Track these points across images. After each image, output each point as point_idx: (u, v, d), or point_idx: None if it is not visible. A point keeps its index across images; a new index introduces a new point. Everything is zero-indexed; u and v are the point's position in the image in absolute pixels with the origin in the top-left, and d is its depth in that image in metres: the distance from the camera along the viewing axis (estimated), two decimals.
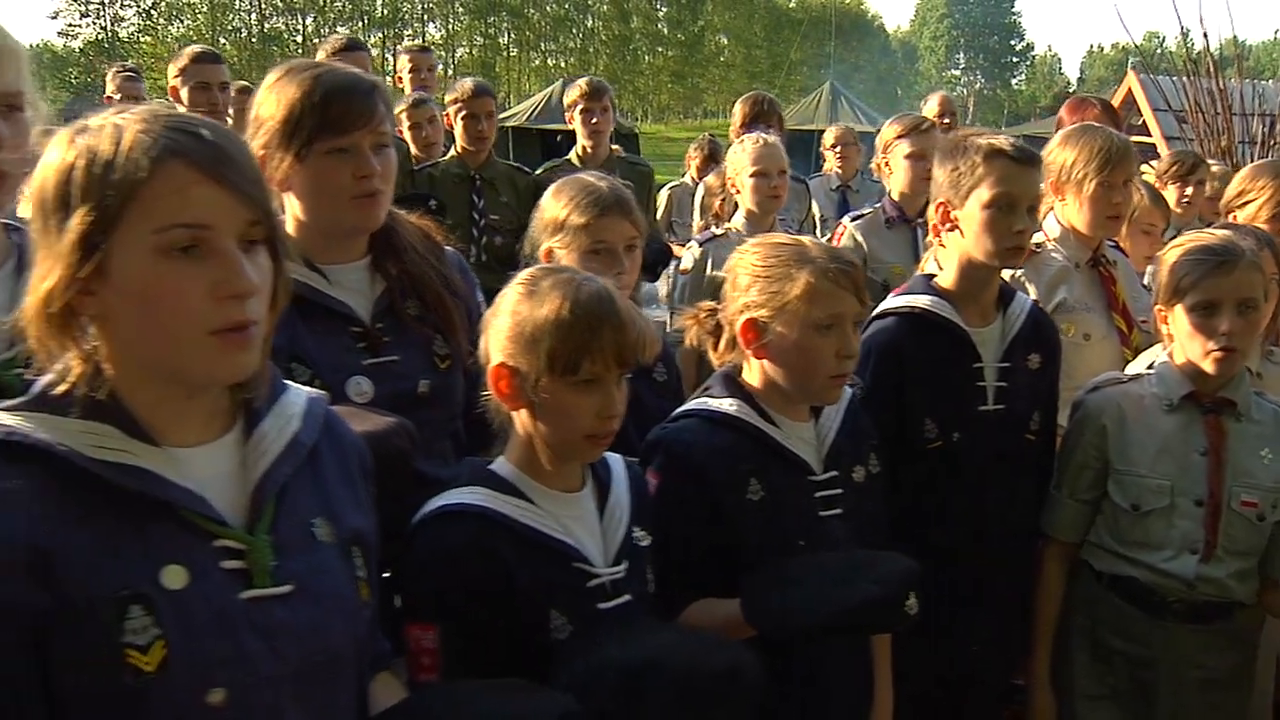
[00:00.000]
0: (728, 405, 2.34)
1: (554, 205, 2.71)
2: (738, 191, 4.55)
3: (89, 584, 1.27)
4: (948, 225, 2.77)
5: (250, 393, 1.46)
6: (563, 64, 60.92)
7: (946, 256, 2.84)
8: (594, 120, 5.47)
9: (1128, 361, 3.26)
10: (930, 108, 7.21)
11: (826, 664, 2.32)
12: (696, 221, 6.23)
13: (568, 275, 1.97)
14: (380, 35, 62.49)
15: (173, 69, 4.93)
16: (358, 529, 1.56)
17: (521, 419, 1.96)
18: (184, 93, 4.83)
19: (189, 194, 1.29)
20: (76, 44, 63.00)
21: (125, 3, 63.25)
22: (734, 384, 2.38)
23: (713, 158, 8.19)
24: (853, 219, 4.74)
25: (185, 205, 1.29)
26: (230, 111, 5.00)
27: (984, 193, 2.67)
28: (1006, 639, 2.89)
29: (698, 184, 7.64)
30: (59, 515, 1.28)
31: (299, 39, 62.39)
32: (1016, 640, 2.91)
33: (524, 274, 2.02)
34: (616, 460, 2.11)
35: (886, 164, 4.71)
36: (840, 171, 7.19)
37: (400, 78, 6.40)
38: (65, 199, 1.30)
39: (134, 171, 1.28)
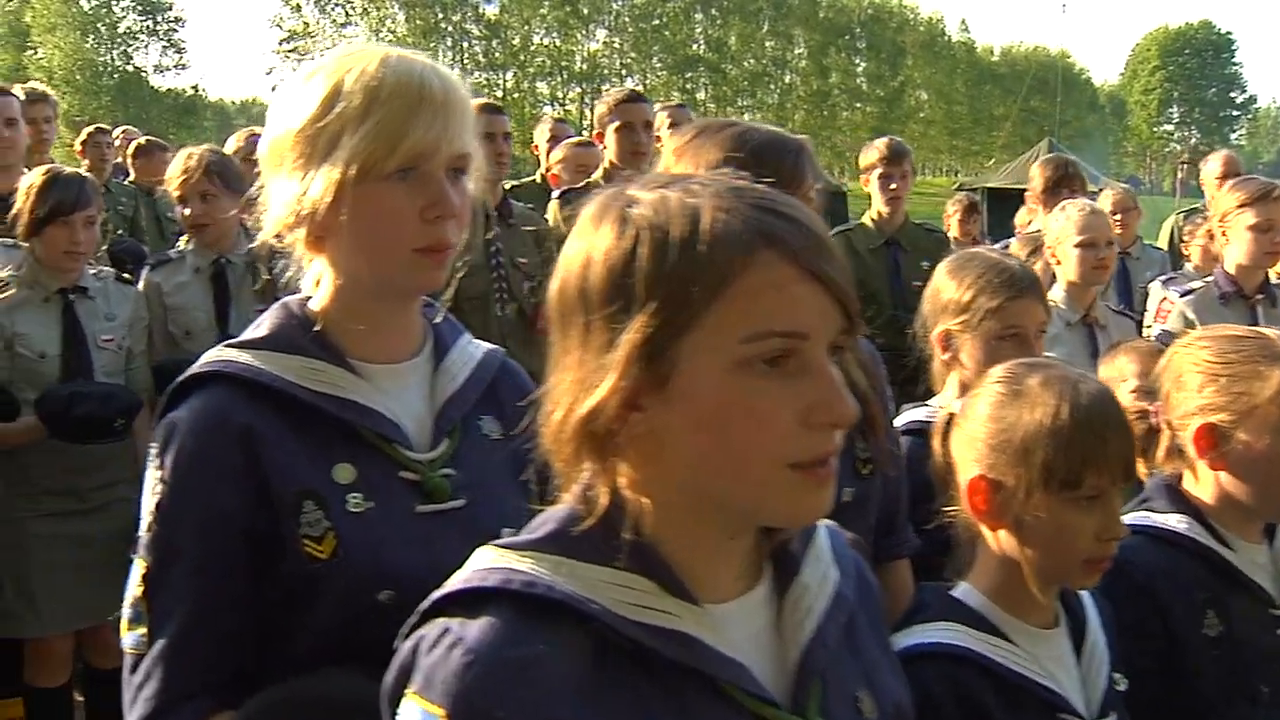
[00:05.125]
0: (1175, 522, 2.02)
1: (953, 285, 2.45)
2: (1058, 262, 4.20)
3: None
4: None
5: (789, 534, 1.19)
6: (759, 119, 60.94)
7: None
8: (892, 186, 5.19)
9: None
10: (1213, 169, 6.73)
11: None
12: None
13: (1059, 373, 1.69)
14: (579, 90, 63.76)
15: (601, 106, 4.95)
16: (898, 702, 1.26)
17: (1000, 539, 1.69)
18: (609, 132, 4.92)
19: (787, 294, 1.02)
20: None
21: None
22: (1178, 497, 2.06)
23: (973, 209, 7.91)
24: (1182, 294, 4.35)
25: (782, 308, 1.01)
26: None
27: None
28: None
29: (960, 243, 7.31)
30: (595, 690, 1.03)
31: (499, 94, 64.03)
32: None
33: (999, 371, 1.75)
34: (1086, 593, 1.81)
35: (1223, 234, 4.30)
36: (1119, 238, 6.70)
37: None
38: (623, 292, 1.03)
39: (721, 263, 1.01)
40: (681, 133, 1.95)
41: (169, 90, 66.61)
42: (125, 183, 7.58)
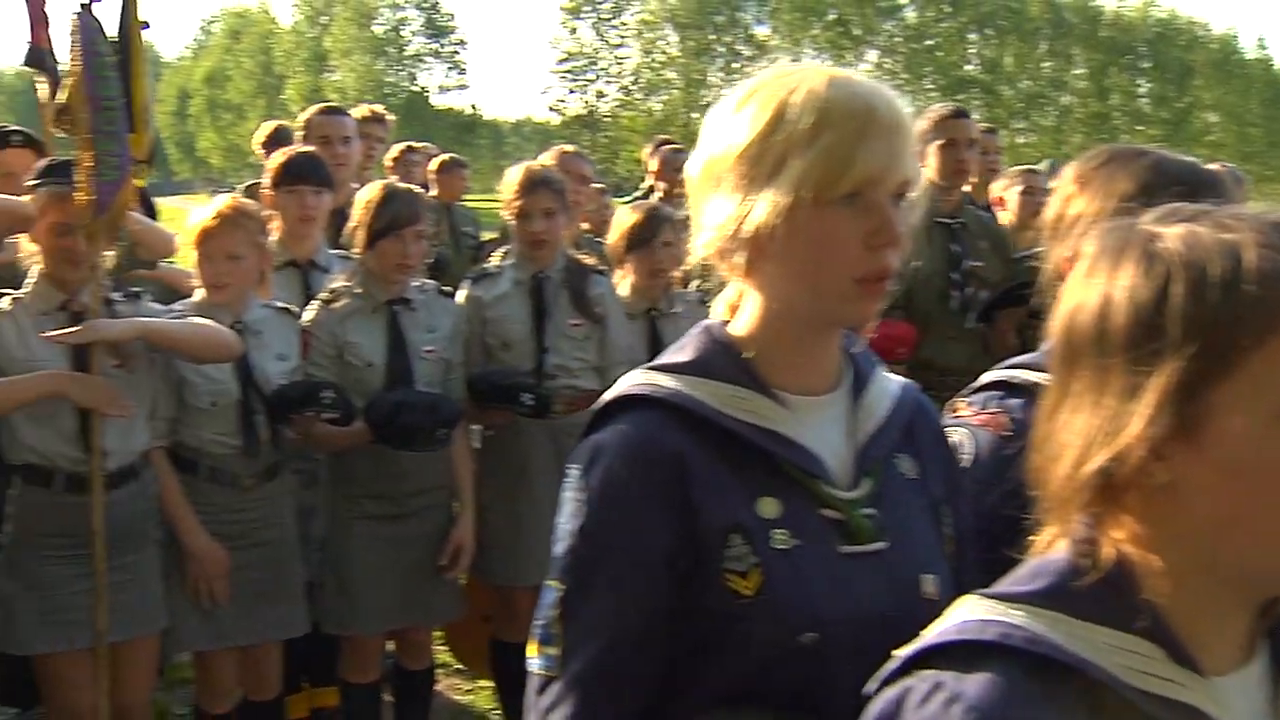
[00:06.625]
0: None
1: None
2: None
3: None
4: None
5: None
6: (1034, 142, 59.09)
7: None
8: None
9: None
10: None
11: None
12: None
13: None
14: None
15: (923, 123, 4.76)
16: None
17: None
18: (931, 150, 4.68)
19: None
20: (563, 118, 67.86)
21: (608, 79, 67.62)
22: None
23: None
24: None
25: None
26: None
27: None
28: None
29: None
30: None
31: None
32: None
33: None
34: None
35: None
36: None
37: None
38: (1152, 334, 0.96)
39: (1272, 304, 0.93)
40: (1087, 160, 1.82)
41: (448, 109, 69.82)
42: (427, 197, 7.87)
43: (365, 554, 3.74)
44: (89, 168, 3.19)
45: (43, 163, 3.49)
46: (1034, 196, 5.17)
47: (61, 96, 3.51)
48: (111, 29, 3.47)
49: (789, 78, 1.40)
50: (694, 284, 4.62)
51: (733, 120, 1.42)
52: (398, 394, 3.66)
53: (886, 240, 1.36)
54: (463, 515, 3.88)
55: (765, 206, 1.36)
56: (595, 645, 1.40)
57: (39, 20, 4.16)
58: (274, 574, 3.64)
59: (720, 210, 1.42)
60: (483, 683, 4.79)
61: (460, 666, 4.89)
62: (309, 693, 4.27)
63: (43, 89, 4.13)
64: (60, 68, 4.01)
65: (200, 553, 3.48)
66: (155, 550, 3.48)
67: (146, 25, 3.79)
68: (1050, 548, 1.06)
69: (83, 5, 3.24)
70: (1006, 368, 1.86)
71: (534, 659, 1.46)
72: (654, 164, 7.03)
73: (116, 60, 3.30)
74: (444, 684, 4.70)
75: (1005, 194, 5.54)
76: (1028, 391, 1.77)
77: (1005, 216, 5.47)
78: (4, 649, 3.48)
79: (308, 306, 3.84)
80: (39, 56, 4.14)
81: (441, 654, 4.61)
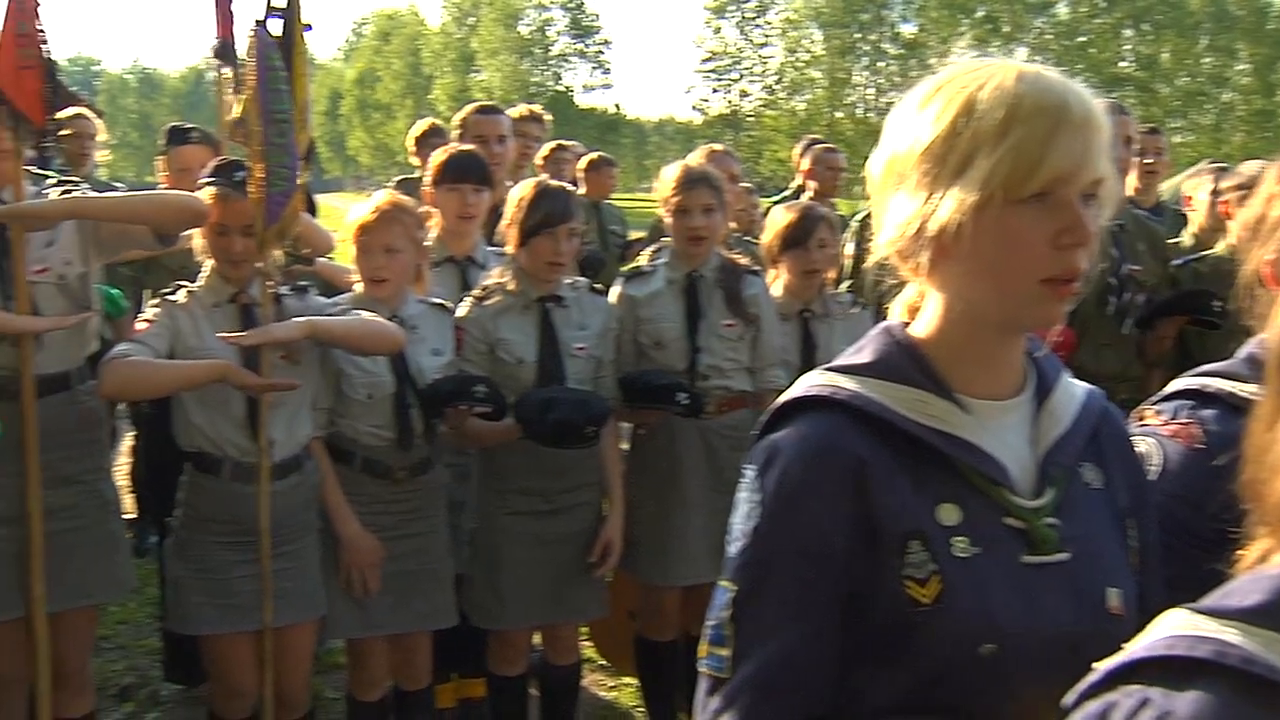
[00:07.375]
0: None
1: None
2: None
3: None
4: None
5: None
6: (1192, 141, 57.09)
7: None
8: None
9: None
10: None
11: None
12: None
13: None
14: None
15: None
16: None
17: None
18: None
19: None
20: (706, 117, 67.81)
21: (752, 79, 67.34)
22: None
23: None
24: None
25: None
26: None
27: None
28: None
29: None
30: None
31: None
32: None
33: None
34: None
35: None
36: None
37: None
38: None
39: None
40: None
41: (592, 108, 70.38)
42: (577, 195, 7.91)
43: (514, 549, 3.78)
44: (260, 179, 3.29)
45: (213, 162, 3.61)
46: (1223, 196, 4.97)
47: (237, 111, 3.63)
48: (277, 29, 3.56)
49: (976, 73, 1.36)
50: (844, 285, 4.57)
51: (917, 117, 1.38)
52: (548, 391, 3.67)
53: (1076, 240, 1.31)
54: (612, 513, 3.90)
55: (950, 205, 1.32)
56: (767, 649, 1.38)
57: (226, 16, 4.30)
58: (424, 566, 3.70)
59: (903, 209, 1.39)
60: (627, 680, 4.81)
61: (604, 663, 4.91)
62: (457, 683, 4.34)
63: (227, 77, 4.28)
64: (240, 65, 4.14)
65: (354, 542, 3.56)
66: (315, 538, 3.58)
67: (309, 28, 3.88)
68: (1264, 563, 1.01)
69: (258, 21, 3.35)
70: (1198, 375, 1.78)
71: (704, 660, 1.44)
72: (805, 163, 6.97)
73: (287, 74, 3.39)
74: (588, 680, 4.71)
75: (1195, 193, 5.34)
76: (1222, 402, 1.69)
77: (1195, 217, 5.27)
78: (173, 628, 3.63)
79: (461, 303, 3.90)
80: (228, 50, 4.29)
81: (586, 650, 4.63)
